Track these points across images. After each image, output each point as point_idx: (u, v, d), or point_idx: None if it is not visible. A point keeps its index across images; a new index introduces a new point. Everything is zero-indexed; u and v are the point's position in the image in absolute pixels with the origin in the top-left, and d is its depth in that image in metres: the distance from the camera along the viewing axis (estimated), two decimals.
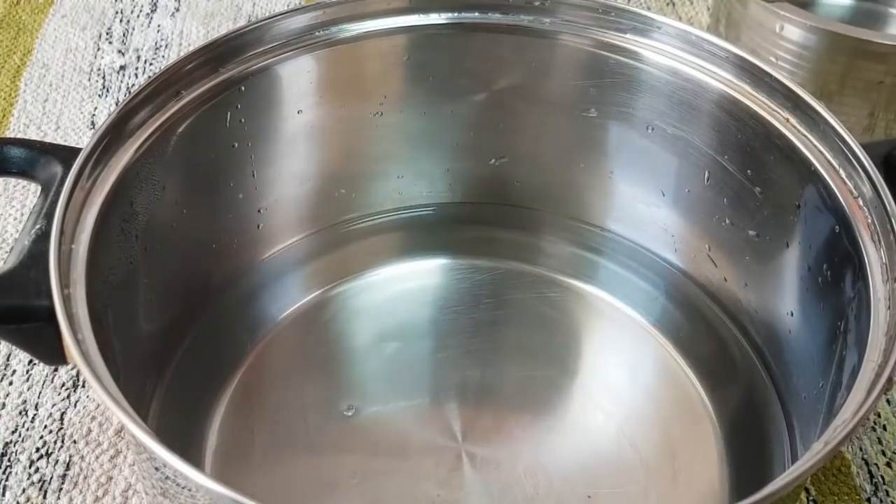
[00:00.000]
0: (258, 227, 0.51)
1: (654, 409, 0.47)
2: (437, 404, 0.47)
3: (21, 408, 0.49)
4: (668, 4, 0.79)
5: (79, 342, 0.33)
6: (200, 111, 0.44)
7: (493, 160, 0.54)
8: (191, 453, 0.44)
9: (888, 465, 0.48)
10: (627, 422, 0.46)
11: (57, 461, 0.46)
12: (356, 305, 0.52)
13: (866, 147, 0.41)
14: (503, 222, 0.55)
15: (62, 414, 0.48)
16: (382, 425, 0.46)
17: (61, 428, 0.48)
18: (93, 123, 0.66)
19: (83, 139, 0.64)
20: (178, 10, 0.76)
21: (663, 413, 0.47)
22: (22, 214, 0.58)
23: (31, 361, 0.51)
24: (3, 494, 0.45)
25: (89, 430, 0.48)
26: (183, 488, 0.33)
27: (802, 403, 0.43)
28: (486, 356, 0.49)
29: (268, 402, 0.47)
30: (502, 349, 0.50)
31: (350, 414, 0.46)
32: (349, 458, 0.45)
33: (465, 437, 0.45)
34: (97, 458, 0.47)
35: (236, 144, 0.47)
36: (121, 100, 0.67)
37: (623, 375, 0.49)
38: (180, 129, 0.44)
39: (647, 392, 0.48)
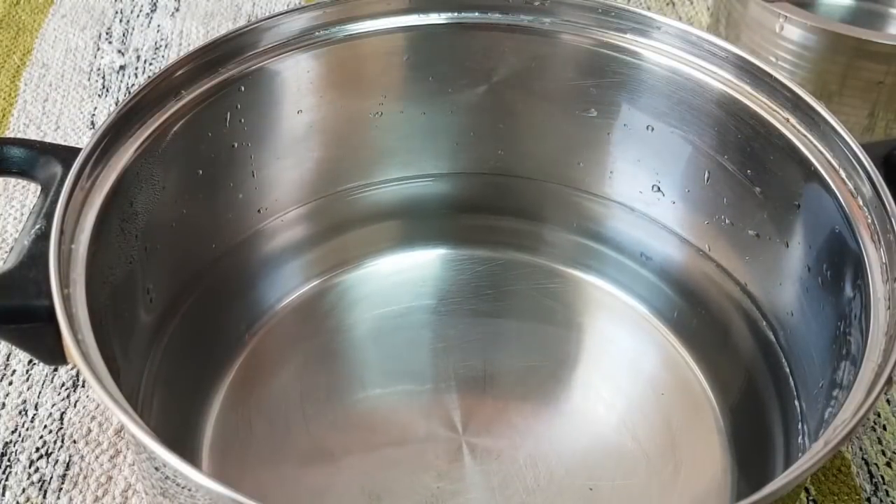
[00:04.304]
0: (258, 226, 0.51)
1: (656, 400, 0.47)
2: (437, 395, 0.47)
3: (21, 408, 0.49)
4: (668, 4, 0.79)
5: (79, 342, 0.33)
6: (200, 111, 0.44)
7: (492, 159, 0.54)
8: (189, 447, 0.44)
9: (888, 465, 0.48)
10: (629, 413, 0.46)
11: (57, 461, 0.46)
12: (355, 296, 0.52)
13: (866, 147, 0.41)
14: (503, 214, 0.55)
15: (62, 414, 0.48)
16: (382, 416, 0.46)
17: (61, 428, 0.48)
18: (93, 123, 0.66)
19: (83, 139, 0.64)
20: (177, 10, 0.76)
21: (665, 405, 0.47)
22: (22, 214, 0.58)
23: (31, 361, 0.51)
24: (3, 494, 0.45)
25: (89, 430, 0.48)
26: (183, 488, 0.33)
27: (803, 402, 0.43)
28: (487, 347, 0.49)
29: (266, 393, 0.47)
30: (502, 340, 0.50)
31: (349, 405, 0.46)
32: (348, 450, 0.45)
33: (466, 429, 0.45)
34: (97, 457, 0.47)
35: (236, 144, 0.47)
36: (121, 100, 0.67)
37: (624, 366, 0.49)
38: (180, 129, 0.44)
39: (649, 383, 0.48)
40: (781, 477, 0.31)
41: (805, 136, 0.43)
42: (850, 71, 0.58)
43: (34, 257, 0.36)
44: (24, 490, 0.45)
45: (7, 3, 0.76)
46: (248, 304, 0.50)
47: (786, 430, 0.44)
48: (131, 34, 0.73)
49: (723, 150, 0.47)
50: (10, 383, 0.50)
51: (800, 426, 0.43)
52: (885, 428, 0.50)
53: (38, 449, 0.47)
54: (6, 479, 0.46)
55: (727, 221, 0.48)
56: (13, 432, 0.48)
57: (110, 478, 0.46)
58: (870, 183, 0.40)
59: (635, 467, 0.44)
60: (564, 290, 0.52)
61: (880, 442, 0.49)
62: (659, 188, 0.51)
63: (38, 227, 0.37)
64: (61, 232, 0.36)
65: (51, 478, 0.46)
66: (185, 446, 0.44)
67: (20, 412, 0.49)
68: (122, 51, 0.72)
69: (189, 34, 0.74)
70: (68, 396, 0.49)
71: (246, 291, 0.51)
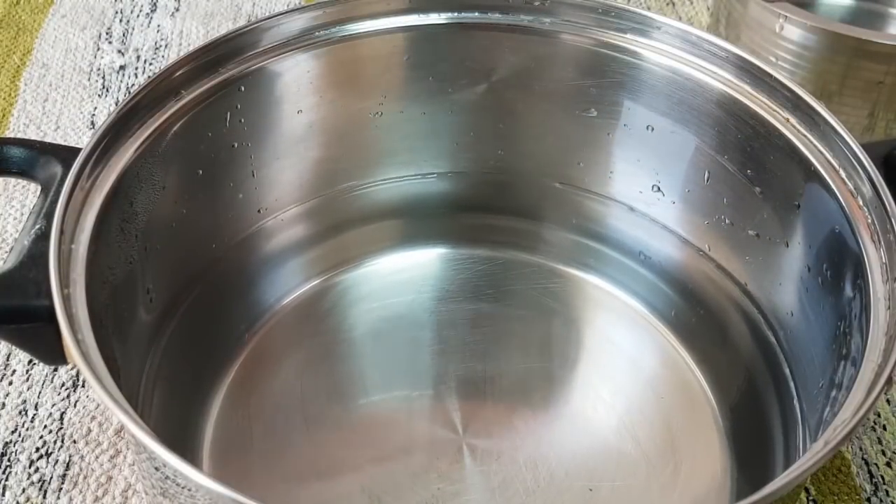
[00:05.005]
0: (258, 226, 0.51)
1: (656, 401, 0.47)
2: (438, 396, 0.47)
3: (21, 408, 0.49)
4: (668, 4, 0.79)
5: (79, 342, 0.33)
6: (200, 111, 0.44)
7: (492, 159, 0.54)
8: (189, 446, 0.44)
9: (888, 465, 0.48)
10: (628, 414, 0.46)
11: (57, 461, 0.46)
12: (355, 295, 0.52)
13: (866, 147, 0.41)
14: (503, 213, 0.55)
15: (62, 414, 0.48)
16: (382, 417, 0.46)
17: (61, 428, 0.48)
18: (93, 123, 0.66)
19: (83, 139, 0.64)
20: (177, 10, 0.76)
21: (665, 405, 0.47)
22: (22, 214, 0.58)
23: (31, 361, 0.51)
24: (3, 494, 0.45)
25: (89, 430, 0.48)
26: (183, 488, 0.33)
27: (803, 402, 0.43)
28: (487, 347, 0.49)
29: (266, 394, 0.47)
30: (503, 340, 0.50)
31: (349, 405, 0.46)
32: (348, 451, 0.45)
33: (466, 430, 0.45)
34: (97, 457, 0.47)
35: (236, 144, 0.47)
36: (121, 100, 0.67)
37: (624, 367, 0.49)
38: (180, 129, 0.44)
39: (649, 384, 0.48)
40: (781, 477, 0.31)
41: (805, 136, 0.43)
42: (850, 71, 0.58)
43: (34, 257, 0.36)
44: (24, 490, 0.45)
45: (7, 3, 0.76)
46: (248, 303, 0.50)
47: (786, 430, 0.44)
48: (131, 34, 0.73)
49: (723, 150, 0.47)
50: (10, 383, 0.50)
51: (800, 426, 0.43)
52: (885, 428, 0.50)
53: (38, 449, 0.47)
54: (6, 479, 0.46)
55: (727, 221, 0.48)
56: (13, 432, 0.48)
57: (110, 478, 0.46)
58: (870, 183, 0.40)
59: (635, 468, 0.44)
60: (564, 290, 0.52)
61: (880, 442, 0.49)
62: (659, 188, 0.51)
63: (38, 227, 0.37)
64: (61, 232, 0.36)
65: (51, 478, 0.46)
66: (185, 446, 0.44)
67: (20, 412, 0.49)
68: (122, 51, 0.72)
69: (189, 34, 0.74)
70: (68, 396, 0.49)
71: (246, 291, 0.51)
